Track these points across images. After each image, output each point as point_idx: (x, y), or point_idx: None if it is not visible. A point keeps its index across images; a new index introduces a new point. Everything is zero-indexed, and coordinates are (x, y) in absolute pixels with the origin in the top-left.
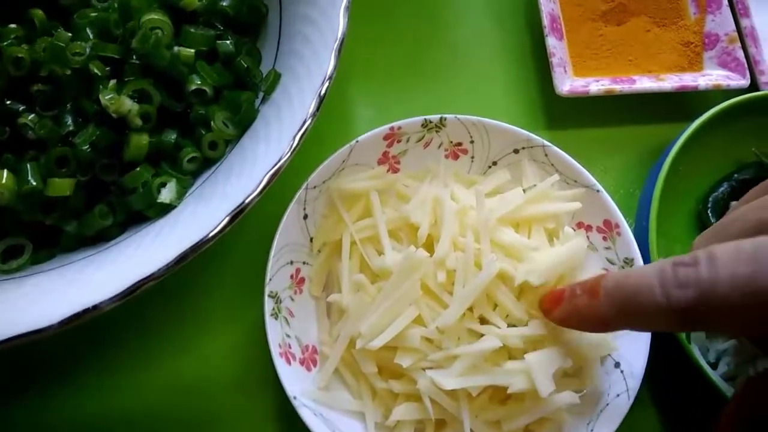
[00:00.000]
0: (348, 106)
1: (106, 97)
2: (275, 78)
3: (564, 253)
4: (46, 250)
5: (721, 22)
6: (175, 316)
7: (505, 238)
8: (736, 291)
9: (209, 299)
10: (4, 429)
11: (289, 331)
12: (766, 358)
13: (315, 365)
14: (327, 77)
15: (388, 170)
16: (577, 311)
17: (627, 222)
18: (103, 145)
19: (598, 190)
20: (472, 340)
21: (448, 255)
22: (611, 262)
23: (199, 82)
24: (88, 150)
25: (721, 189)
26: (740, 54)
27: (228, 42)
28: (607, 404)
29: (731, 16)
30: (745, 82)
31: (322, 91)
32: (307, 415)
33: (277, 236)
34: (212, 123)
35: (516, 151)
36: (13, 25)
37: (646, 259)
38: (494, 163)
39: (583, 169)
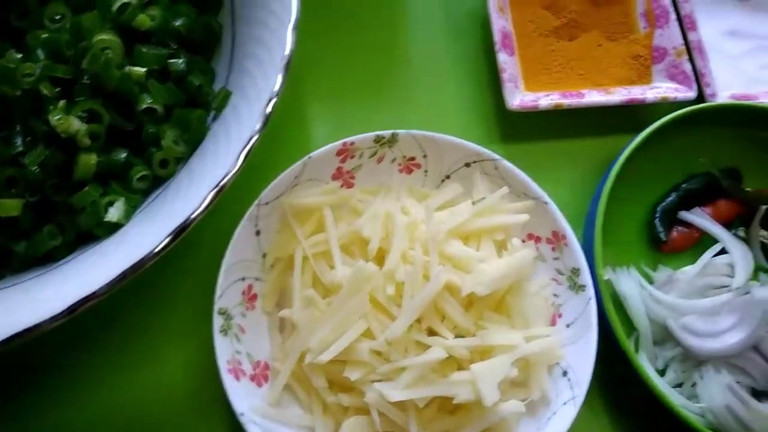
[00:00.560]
0: (305, 124)
1: (55, 118)
2: (225, 96)
3: (510, 264)
4: None
5: (669, 36)
6: (126, 335)
7: (453, 250)
8: None
9: (162, 318)
10: None
11: (240, 347)
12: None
13: (267, 381)
14: (274, 94)
15: (342, 185)
16: None
17: (578, 233)
18: (52, 165)
19: (546, 202)
20: (420, 352)
21: (397, 268)
22: (560, 272)
23: (150, 101)
24: (37, 170)
25: (669, 199)
26: (687, 67)
27: (180, 61)
28: (555, 412)
29: (679, 30)
30: (692, 94)
31: (269, 109)
32: (254, 431)
33: (227, 253)
34: (162, 141)
35: (468, 165)
36: None
37: (592, 269)
38: (447, 177)
39: (532, 182)
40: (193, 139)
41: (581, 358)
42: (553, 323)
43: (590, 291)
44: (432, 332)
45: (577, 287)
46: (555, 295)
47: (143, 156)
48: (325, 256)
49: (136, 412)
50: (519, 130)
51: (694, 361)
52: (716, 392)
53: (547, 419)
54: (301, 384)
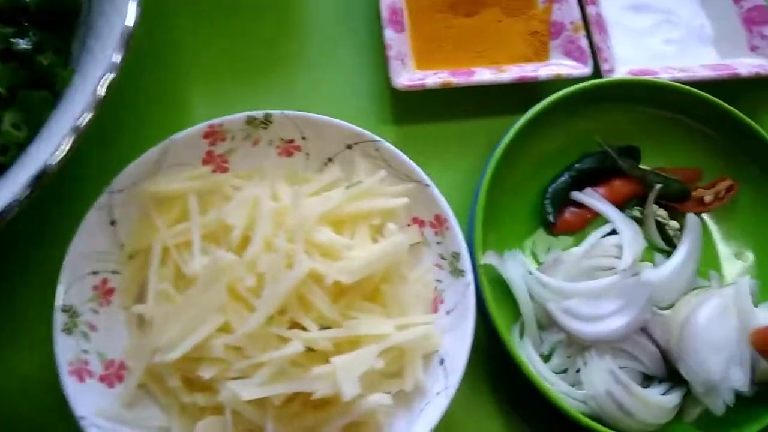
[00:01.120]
0: (181, 107)
1: None
2: (68, 75)
3: (382, 250)
4: None
5: (567, 11)
6: None
7: (322, 237)
8: None
9: (2, 315)
10: None
11: (88, 346)
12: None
13: (121, 381)
14: (108, 71)
15: (215, 170)
16: None
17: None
18: None
19: (427, 185)
20: (283, 346)
21: (259, 257)
22: (442, 257)
23: None
24: None
25: (562, 179)
26: (584, 42)
27: (25, 39)
28: (428, 403)
29: (577, 4)
30: (587, 70)
31: (101, 89)
32: None
33: (71, 246)
34: (2, 126)
35: (350, 147)
36: None
37: (471, 253)
38: (330, 160)
39: (414, 165)
40: (35, 123)
41: (458, 346)
42: (435, 310)
43: (469, 276)
44: (298, 325)
45: (458, 272)
46: (438, 280)
47: None
48: (189, 246)
49: None
50: (414, 110)
51: (579, 346)
52: (599, 378)
53: (419, 411)
54: (157, 383)
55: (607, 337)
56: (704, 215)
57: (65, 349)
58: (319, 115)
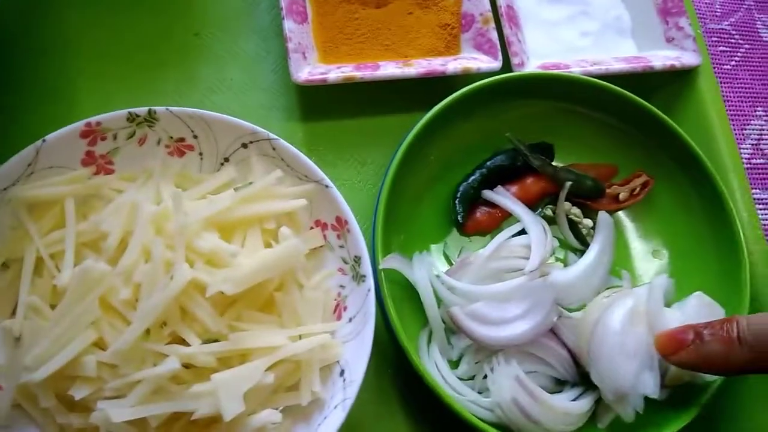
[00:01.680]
0: (68, 106)
1: None
2: None
3: (274, 256)
4: None
5: (477, 2)
6: None
7: (206, 244)
8: None
9: None
10: None
11: None
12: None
13: None
14: None
15: (98, 172)
16: (708, 359)
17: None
18: None
19: (327, 186)
20: (160, 362)
21: (136, 266)
22: (345, 261)
23: None
24: None
25: (472, 178)
26: (494, 35)
27: None
28: (326, 417)
29: None
30: (496, 64)
31: None
32: None
33: None
34: None
35: (245, 146)
36: None
37: (374, 257)
38: (226, 160)
39: (313, 164)
40: None
41: (357, 357)
42: (339, 317)
43: (370, 281)
44: (181, 339)
45: (359, 277)
46: (342, 286)
47: None
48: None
49: None
50: (321, 106)
51: (488, 351)
52: (504, 384)
53: (317, 425)
54: (31, 403)
55: (512, 342)
56: (620, 213)
57: None
58: (210, 112)
